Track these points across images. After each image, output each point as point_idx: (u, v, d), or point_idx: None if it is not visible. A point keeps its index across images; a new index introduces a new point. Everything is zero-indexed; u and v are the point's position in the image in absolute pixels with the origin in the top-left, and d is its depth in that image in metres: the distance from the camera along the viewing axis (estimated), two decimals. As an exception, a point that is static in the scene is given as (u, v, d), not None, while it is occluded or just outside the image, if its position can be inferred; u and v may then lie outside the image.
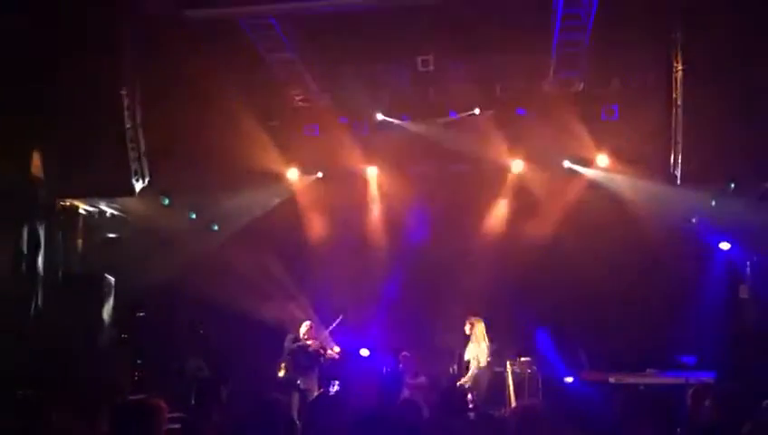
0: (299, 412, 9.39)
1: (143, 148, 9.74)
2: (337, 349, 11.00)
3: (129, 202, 10.75)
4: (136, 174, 9.61)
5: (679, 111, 9.14)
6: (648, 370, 10.20)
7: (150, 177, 9.88)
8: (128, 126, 9.43)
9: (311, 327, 10.85)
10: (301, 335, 10.75)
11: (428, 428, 4.97)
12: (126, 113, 9.39)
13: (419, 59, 10.34)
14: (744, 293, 10.79)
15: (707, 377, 9.21)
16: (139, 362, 11.08)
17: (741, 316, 10.66)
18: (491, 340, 10.67)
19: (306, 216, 12.53)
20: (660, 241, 10.84)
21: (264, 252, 12.15)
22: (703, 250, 11.32)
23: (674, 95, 9.18)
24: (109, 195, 10.35)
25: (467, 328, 10.72)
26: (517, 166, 11.69)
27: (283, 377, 10.51)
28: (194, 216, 12.31)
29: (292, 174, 12.12)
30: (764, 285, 10.34)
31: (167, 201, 11.43)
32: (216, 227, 12.55)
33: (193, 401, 6.86)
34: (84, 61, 8.86)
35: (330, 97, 11.39)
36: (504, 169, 11.81)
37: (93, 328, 9.85)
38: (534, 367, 10.85)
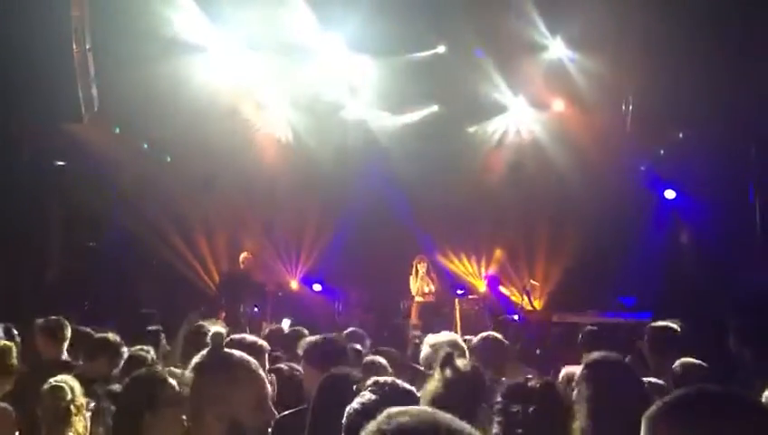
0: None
1: (92, 73, 9.44)
2: (294, 284, 11.15)
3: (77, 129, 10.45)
4: (85, 100, 9.34)
5: (629, 58, 9.28)
6: (588, 310, 10.59)
7: (100, 104, 9.62)
8: (76, 50, 9.11)
9: (248, 257, 10.89)
10: (240, 264, 10.82)
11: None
12: (74, 37, 9.05)
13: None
14: (684, 238, 11.21)
15: (644, 318, 9.60)
16: (89, 293, 11.02)
17: (680, 261, 11.08)
18: (434, 279, 11.00)
19: (263, 150, 12.40)
20: (609, 187, 11.11)
21: (219, 185, 12.06)
22: (649, 197, 11.65)
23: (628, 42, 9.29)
24: (56, 121, 10.02)
25: (419, 266, 10.97)
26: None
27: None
28: (146, 146, 12.08)
29: (251, 105, 11.89)
30: (704, 232, 10.74)
31: (117, 130, 11.18)
32: (168, 159, 12.36)
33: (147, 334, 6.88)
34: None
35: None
36: (468, 111, 11.87)
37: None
38: (481, 304, 11.20)
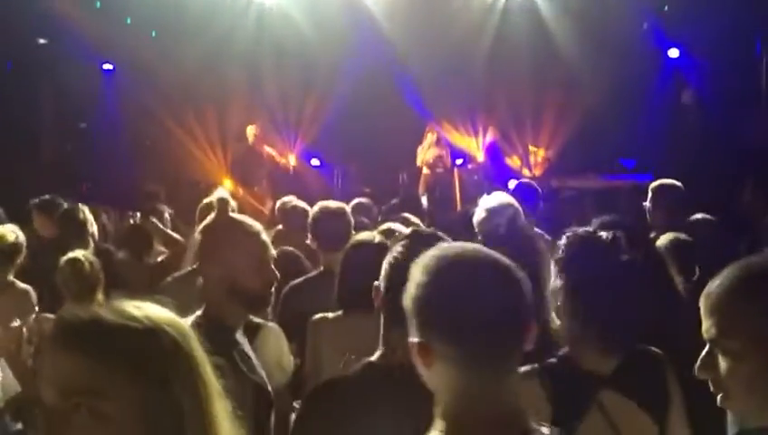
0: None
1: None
2: (293, 160, 11.07)
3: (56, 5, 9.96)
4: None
5: None
6: (589, 174, 10.57)
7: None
8: None
9: (258, 130, 10.70)
10: (249, 140, 10.64)
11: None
12: None
13: None
14: (686, 98, 11.00)
15: (645, 179, 9.59)
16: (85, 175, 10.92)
17: (682, 121, 10.94)
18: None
19: (253, 22, 11.85)
20: (610, 46, 10.75)
21: (211, 58, 11.64)
22: (652, 56, 11.32)
23: None
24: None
25: (429, 135, 10.80)
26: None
27: None
28: (129, 20, 11.56)
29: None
30: (708, 91, 10.53)
31: (99, 4, 10.69)
32: (154, 34, 11.86)
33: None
34: None
35: None
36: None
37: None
38: (481, 172, 11.17)
